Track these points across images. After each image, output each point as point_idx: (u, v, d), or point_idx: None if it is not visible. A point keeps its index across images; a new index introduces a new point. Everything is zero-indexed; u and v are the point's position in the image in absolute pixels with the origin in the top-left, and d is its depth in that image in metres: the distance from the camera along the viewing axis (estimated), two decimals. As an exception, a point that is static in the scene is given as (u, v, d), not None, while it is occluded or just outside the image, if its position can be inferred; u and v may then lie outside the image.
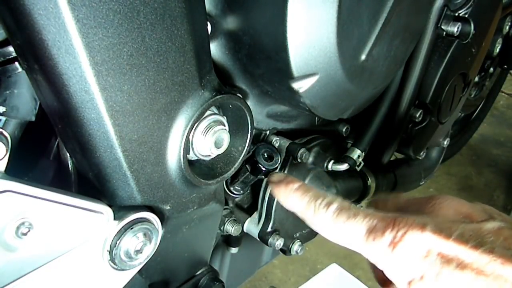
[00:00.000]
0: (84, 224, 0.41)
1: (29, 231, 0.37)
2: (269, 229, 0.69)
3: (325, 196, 0.46)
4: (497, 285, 0.36)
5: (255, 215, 0.71)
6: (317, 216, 0.45)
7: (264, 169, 0.63)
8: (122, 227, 0.44)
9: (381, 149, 0.91)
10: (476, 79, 1.29)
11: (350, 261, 1.56)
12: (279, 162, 0.66)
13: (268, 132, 0.70)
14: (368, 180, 0.92)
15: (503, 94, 2.54)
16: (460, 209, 0.43)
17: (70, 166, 0.47)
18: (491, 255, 0.37)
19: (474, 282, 0.37)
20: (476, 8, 0.84)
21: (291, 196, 0.48)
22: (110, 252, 0.44)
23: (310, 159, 0.72)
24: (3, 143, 0.36)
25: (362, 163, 0.81)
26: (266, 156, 0.65)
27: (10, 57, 0.42)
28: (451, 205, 0.44)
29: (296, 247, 0.74)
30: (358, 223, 0.43)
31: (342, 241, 0.45)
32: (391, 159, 0.97)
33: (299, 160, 0.68)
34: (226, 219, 0.68)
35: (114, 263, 0.45)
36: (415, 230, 0.40)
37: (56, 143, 0.49)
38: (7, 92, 0.43)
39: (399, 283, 0.42)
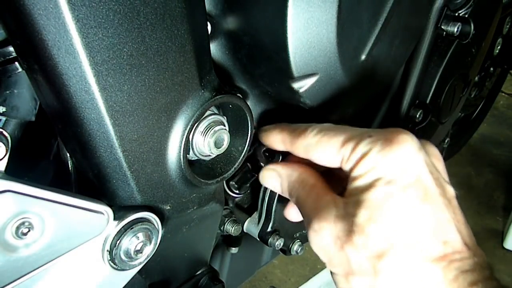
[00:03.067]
0: (84, 224, 0.41)
1: (29, 231, 0.37)
2: (269, 229, 0.69)
3: (305, 124, 0.51)
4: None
5: (255, 215, 0.71)
6: (300, 139, 0.49)
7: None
8: (122, 227, 0.44)
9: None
10: (476, 79, 1.29)
11: (350, 261, 1.56)
12: (279, 160, 0.65)
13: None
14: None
15: (503, 94, 2.54)
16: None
17: (70, 166, 0.47)
18: (445, 208, 0.42)
19: (424, 215, 0.41)
20: (476, 8, 0.84)
21: (274, 131, 0.54)
22: (110, 252, 0.44)
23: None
24: (3, 143, 0.36)
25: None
26: (267, 154, 0.65)
27: (10, 57, 0.42)
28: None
29: (296, 247, 0.74)
30: (338, 136, 0.47)
31: (323, 157, 0.48)
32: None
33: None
34: (226, 219, 0.68)
35: (114, 263, 0.45)
36: (416, 144, 0.44)
37: (56, 143, 0.49)
38: (7, 92, 0.43)
39: (365, 179, 0.43)
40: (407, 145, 0.43)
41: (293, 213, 0.59)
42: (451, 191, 0.45)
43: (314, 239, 0.46)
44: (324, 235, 0.44)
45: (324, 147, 0.47)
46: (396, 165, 0.42)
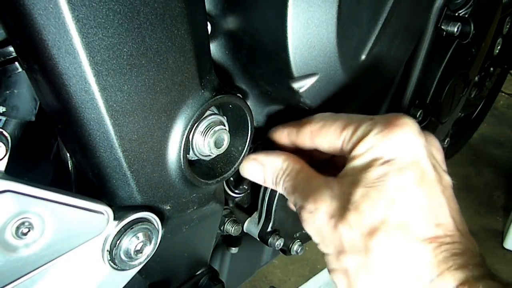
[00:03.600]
0: (84, 224, 0.41)
1: (29, 231, 0.37)
2: (269, 229, 0.69)
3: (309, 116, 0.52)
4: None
5: (255, 215, 0.71)
6: (305, 127, 0.50)
7: None
8: (122, 227, 0.44)
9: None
10: (476, 79, 1.29)
11: (350, 261, 1.56)
12: None
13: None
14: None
15: (503, 94, 2.55)
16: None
17: (70, 166, 0.47)
18: (441, 193, 0.43)
19: (418, 198, 0.42)
20: (476, 8, 0.84)
21: (279, 127, 0.55)
22: (110, 252, 0.44)
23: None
24: (3, 143, 0.36)
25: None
26: None
27: (10, 57, 0.42)
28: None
29: (296, 247, 0.74)
30: (340, 120, 0.48)
31: (326, 142, 0.49)
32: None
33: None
34: (226, 219, 0.68)
35: (114, 263, 0.45)
36: (416, 128, 0.44)
37: (56, 143, 0.49)
38: (7, 92, 0.43)
39: (362, 159, 0.44)
40: (407, 128, 0.43)
41: None
42: (447, 179, 0.46)
43: (309, 220, 0.46)
44: (319, 215, 0.45)
45: (327, 131, 0.48)
46: (394, 146, 0.43)
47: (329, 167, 0.55)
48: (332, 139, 0.48)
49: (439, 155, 0.48)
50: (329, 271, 0.47)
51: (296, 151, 0.55)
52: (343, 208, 0.43)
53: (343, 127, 0.47)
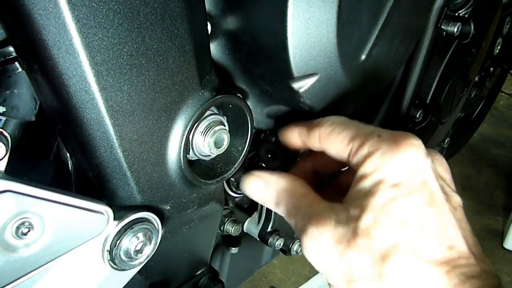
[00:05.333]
0: (84, 224, 0.41)
1: (29, 231, 0.37)
2: (269, 229, 0.69)
3: (321, 118, 0.51)
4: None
5: (255, 215, 0.71)
6: (316, 129, 0.50)
7: (266, 168, 0.63)
8: (122, 227, 0.44)
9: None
10: (476, 79, 1.29)
11: (350, 261, 1.56)
12: (282, 161, 0.66)
13: (268, 132, 0.70)
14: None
15: (503, 94, 2.54)
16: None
17: (70, 166, 0.47)
18: (451, 214, 0.43)
19: (429, 220, 0.41)
20: (476, 8, 0.84)
21: (291, 126, 0.54)
22: (110, 252, 0.44)
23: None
24: (3, 143, 0.36)
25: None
26: (269, 156, 0.65)
27: (10, 57, 0.42)
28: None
29: (296, 247, 0.74)
30: (348, 129, 0.47)
31: (333, 148, 0.48)
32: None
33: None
34: (226, 219, 0.68)
35: (114, 263, 0.45)
36: (423, 150, 0.44)
37: (56, 143, 0.49)
38: (7, 92, 0.43)
39: (370, 180, 0.43)
40: (413, 149, 0.43)
41: None
42: (457, 200, 0.45)
43: (311, 246, 0.44)
44: (323, 241, 0.43)
45: (335, 138, 0.47)
46: (401, 168, 0.42)
47: (335, 185, 0.55)
48: (338, 147, 0.47)
49: (447, 175, 0.47)
50: None
51: (307, 161, 0.55)
52: (352, 234, 0.41)
53: (350, 139, 0.46)
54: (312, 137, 0.50)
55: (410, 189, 0.41)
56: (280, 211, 0.50)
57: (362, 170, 0.43)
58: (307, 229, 0.44)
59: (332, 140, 0.48)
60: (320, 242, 0.43)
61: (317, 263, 0.44)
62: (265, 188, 0.51)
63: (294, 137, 0.54)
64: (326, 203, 0.46)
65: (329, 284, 0.45)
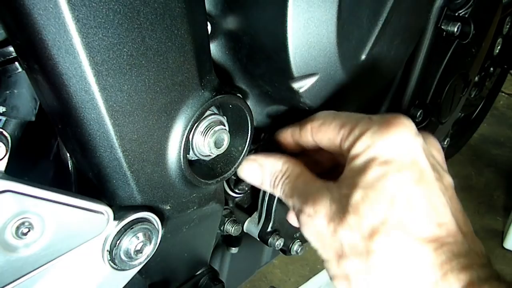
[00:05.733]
0: (84, 224, 0.41)
1: (29, 231, 0.37)
2: (269, 229, 0.69)
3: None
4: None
5: (255, 215, 0.71)
6: (307, 125, 0.51)
7: None
8: (122, 227, 0.44)
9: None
10: (476, 79, 1.29)
11: (350, 261, 1.56)
12: None
13: (268, 132, 0.70)
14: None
15: (503, 94, 2.55)
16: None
17: (70, 166, 0.47)
18: (441, 193, 0.43)
19: (418, 197, 0.41)
20: (476, 8, 0.84)
21: (283, 128, 0.55)
22: (110, 252, 0.44)
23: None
24: (3, 143, 0.36)
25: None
26: None
27: (10, 57, 0.42)
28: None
29: (296, 247, 0.74)
30: (339, 118, 0.48)
31: (325, 138, 0.49)
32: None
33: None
34: (226, 219, 0.68)
35: (114, 263, 0.45)
36: (414, 129, 0.44)
37: (56, 143, 0.49)
38: (7, 92, 0.43)
39: (360, 159, 0.43)
40: (404, 128, 0.43)
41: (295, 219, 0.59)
42: (448, 179, 0.45)
43: (308, 224, 0.45)
44: (318, 219, 0.44)
45: (326, 129, 0.48)
46: (392, 146, 0.42)
47: (332, 177, 0.56)
48: (331, 136, 0.48)
49: (439, 156, 0.48)
50: (330, 277, 0.46)
51: (301, 155, 0.55)
52: (342, 211, 0.42)
53: (341, 125, 0.47)
54: (305, 132, 0.51)
55: (400, 166, 0.42)
56: (277, 192, 0.51)
57: (354, 151, 0.44)
58: (304, 209, 0.46)
59: (324, 130, 0.48)
60: (316, 221, 0.44)
61: (313, 240, 0.46)
62: (261, 170, 0.53)
63: (287, 138, 0.54)
64: (320, 182, 0.47)
65: (323, 260, 0.46)
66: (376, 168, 0.42)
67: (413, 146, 0.43)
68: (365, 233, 0.41)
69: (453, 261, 0.39)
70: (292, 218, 0.58)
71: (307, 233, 0.46)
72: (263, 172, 0.53)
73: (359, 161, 0.43)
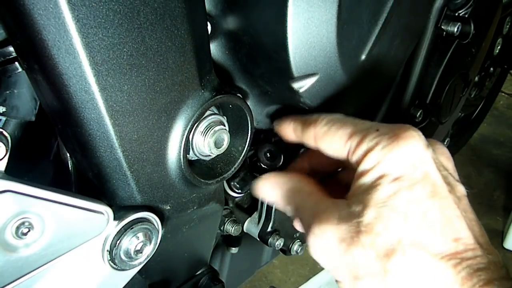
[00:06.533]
0: (84, 224, 0.41)
1: (29, 231, 0.37)
2: (269, 229, 0.69)
3: (316, 114, 0.50)
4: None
5: (255, 215, 0.71)
6: (311, 128, 0.49)
7: (265, 168, 0.63)
8: (122, 227, 0.44)
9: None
10: (476, 79, 1.29)
11: (350, 261, 1.56)
12: (281, 162, 0.66)
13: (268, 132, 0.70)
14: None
15: (503, 94, 2.54)
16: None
17: (70, 166, 0.47)
18: (455, 205, 0.42)
19: (432, 212, 0.40)
20: (476, 8, 0.84)
21: (286, 120, 0.53)
22: (110, 252, 0.44)
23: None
24: (3, 143, 0.36)
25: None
26: (268, 155, 0.65)
27: (10, 57, 0.42)
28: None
29: (296, 247, 0.74)
30: (345, 127, 0.46)
31: (330, 147, 0.47)
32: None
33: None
34: (226, 219, 0.68)
35: (114, 263, 0.45)
36: (423, 141, 0.43)
37: (56, 143, 0.49)
38: (7, 92, 0.43)
39: (370, 175, 0.42)
40: (414, 141, 0.42)
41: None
42: (461, 189, 0.44)
43: (316, 244, 0.44)
44: (326, 239, 0.43)
45: (332, 137, 0.47)
46: (402, 161, 0.42)
47: (334, 182, 0.55)
48: (337, 147, 0.46)
49: (450, 164, 0.47)
50: None
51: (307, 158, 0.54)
52: (355, 230, 0.41)
53: (348, 136, 0.45)
54: (307, 136, 0.50)
55: (412, 182, 0.41)
56: (289, 211, 0.50)
57: (363, 166, 0.43)
58: (311, 228, 0.44)
59: (329, 139, 0.47)
60: (323, 240, 0.43)
61: (322, 261, 0.44)
62: (274, 190, 0.51)
63: (289, 132, 0.53)
64: (330, 201, 0.46)
65: (336, 280, 0.45)
66: (387, 186, 0.41)
67: (424, 160, 0.42)
68: (380, 252, 0.40)
69: (474, 277, 0.38)
70: (297, 224, 0.58)
71: (315, 253, 0.44)
72: (276, 191, 0.51)
73: (369, 178, 0.42)
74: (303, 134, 0.51)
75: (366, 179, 0.42)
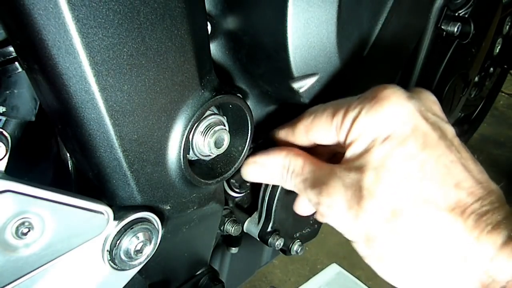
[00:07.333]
0: (84, 224, 0.41)
1: (29, 231, 0.37)
2: (269, 229, 0.69)
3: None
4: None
5: (255, 215, 0.71)
6: (299, 125, 0.50)
7: None
8: (122, 227, 0.44)
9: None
10: (476, 79, 1.29)
11: (350, 261, 1.56)
12: None
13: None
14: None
15: (503, 94, 2.55)
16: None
17: (70, 166, 0.47)
18: (448, 150, 0.42)
19: (428, 163, 0.40)
20: (476, 8, 0.84)
21: (276, 129, 0.55)
22: (110, 252, 0.44)
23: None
24: (3, 143, 0.36)
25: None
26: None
27: (10, 57, 0.42)
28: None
29: (296, 247, 0.74)
30: (328, 109, 0.47)
31: (320, 135, 0.48)
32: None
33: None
34: (226, 219, 0.68)
35: (114, 263, 0.45)
36: (403, 95, 0.43)
37: (56, 143, 0.49)
38: (7, 92, 0.43)
39: (360, 142, 0.43)
40: (394, 97, 0.43)
41: (302, 207, 0.57)
42: (450, 130, 0.44)
43: (329, 214, 0.45)
44: (337, 209, 0.43)
45: (318, 123, 0.47)
46: (388, 120, 0.42)
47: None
48: (325, 129, 0.47)
49: (436, 107, 0.46)
50: (362, 256, 0.45)
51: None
52: (358, 196, 0.42)
53: (333, 114, 0.46)
54: (298, 133, 0.50)
55: (402, 138, 0.41)
56: (290, 187, 0.51)
57: (352, 136, 0.44)
58: (321, 200, 0.45)
59: (316, 124, 0.48)
60: (336, 211, 0.44)
61: (337, 227, 0.45)
62: (264, 170, 0.52)
63: (281, 140, 0.54)
64: (327, 167, 0.46)
65: (351, 241, 0.46)
66: (379, 147, 0.41)
67: (409, 113, 0.42)
68: (386, 214, 0.40)
69: (480, 222, 0.38)
70: (299, 208, 0.57)
71: (329, 222, 0.46)
72: (267, 171, 0.52)
73: (360, 144, 0.43)
74: (295, 135, 0.51)
75: (357, 145, 0.43)
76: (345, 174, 0.43)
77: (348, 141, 0.44)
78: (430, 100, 0.47)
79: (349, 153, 0.44)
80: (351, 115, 0.44)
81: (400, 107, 0.42)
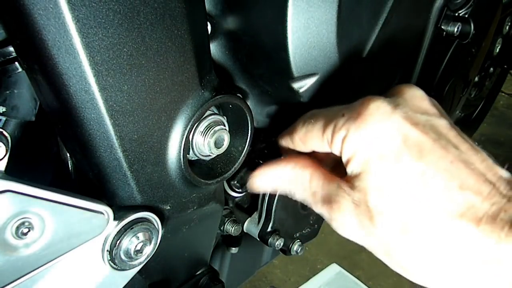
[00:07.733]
0: (84, 224, 0.41)
1: (29, 231, 0.37)
2: (269, 229, 0.69)
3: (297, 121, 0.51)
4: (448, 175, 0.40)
5: (255, 215, 0.71)
6: (295, 135, 0.50)
7: None
8: (122, 227, 0.44)
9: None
10: (476, 79, 1.29)
11: (350, 261, 1.56)
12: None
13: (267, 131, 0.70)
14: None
15: (503, 94, 2.55)
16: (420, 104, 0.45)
17: (70, 166, 0.47)
18: (445, 151, 0.40)
19: (428, 172, 0.40)
20: (476, 8, 0.84)
21: (278, 139, 0.54)
22: (110, 252, 0.44)
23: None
24: (3, 143, 0.36)
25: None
26: (266, 152, 0.65)
27: (10, 57, 0.42)
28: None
29: (296, 247, 0.74)
30: (318, 122, 0.47)
31: (315, 144, 0.48)
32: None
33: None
34: (226, 219, 0.68)
35: (114, 263, 0.45)
36: (387, 107, 0.42)
37: (56, 143, 0.50)
38: (7, 92, 0.43)
39: (355, 162, 0.43)
40: (377, 114, 0.42)
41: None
42: (444, 125, 0.43)
43: (342, 231, 0.45)
44: (350, 227, 0.44)
45: (311, 136, 0.48)
46: (376, 139, 0.41)
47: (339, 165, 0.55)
48: (318, 142, 0.47)
49: (424, 102, 0.45)
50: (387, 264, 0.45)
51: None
52: (368, 215, 0.42)
53: (322, 130, 0.46)
54: (296, 144, 0.51)
55: (395, 154, 0.41)
56: (299, 200, 0.50)
57: (345, 155, 0.44)
58: (333, 217, 0.45)
59: (310, 138, 0.48)
60: (349, 227, 0.44)
61: (355, 240, 0.45)
62: (271, 184, 0.52)
63: (285, 147, 0.53)
64: (335, 182, 0.46)
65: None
66: (376, 168, 0.41)
67: (395, 126, 0.41)
68: (399, 228, 0.40)
69: (496, 224, 0.37)
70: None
71: (346, 235, 0.46)
72: (274, 184, 0.51)
73: (356, 164, 0.43)
74: (294, 145, 0.51)
75: (353, 166, 0.43)
76: (352, 193, 0.43)
77: (344, 160, 0.44)
78: (416, 97, 0.45)
79: (349, 170, 0.44)
80: (340, 134, 0.44)
81: (386, 121, 0.42)
